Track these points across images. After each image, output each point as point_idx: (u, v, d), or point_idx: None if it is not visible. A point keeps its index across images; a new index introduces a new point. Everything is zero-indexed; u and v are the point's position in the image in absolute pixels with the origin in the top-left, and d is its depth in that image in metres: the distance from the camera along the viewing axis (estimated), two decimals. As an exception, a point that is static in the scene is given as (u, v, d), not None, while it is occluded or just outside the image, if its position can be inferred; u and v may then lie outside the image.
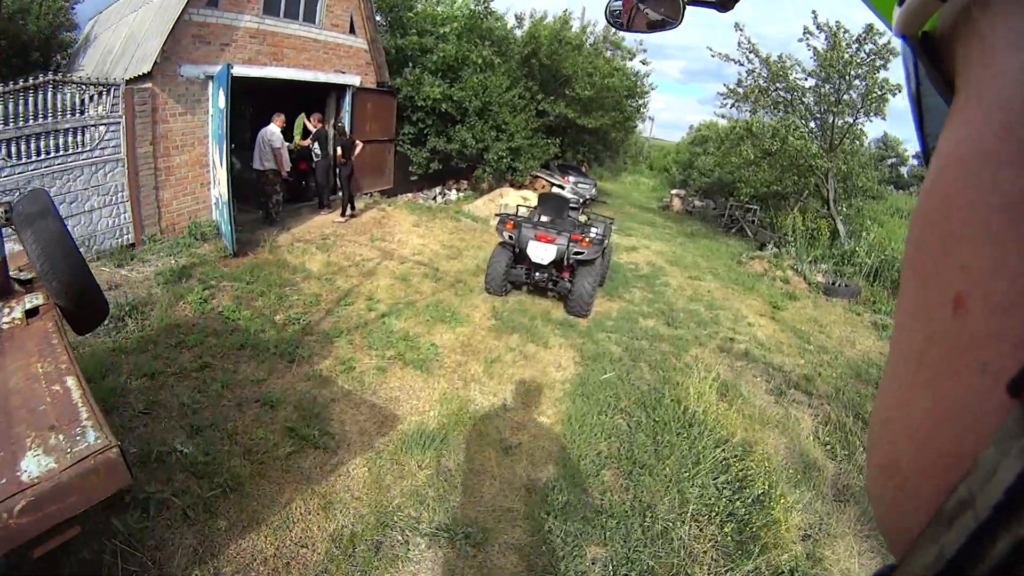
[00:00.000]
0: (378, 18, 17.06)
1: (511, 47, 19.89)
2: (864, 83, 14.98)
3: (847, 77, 15.03)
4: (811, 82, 16.10)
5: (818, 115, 16.58)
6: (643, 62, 22.35)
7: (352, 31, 14.50)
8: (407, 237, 12.48)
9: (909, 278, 0.30)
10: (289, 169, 11.69)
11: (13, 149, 7.89)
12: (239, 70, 11.01)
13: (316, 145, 13.18)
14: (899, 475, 0.28)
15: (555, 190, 19.65)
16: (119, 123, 9.28)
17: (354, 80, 14.67)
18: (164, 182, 10.10)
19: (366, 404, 5.77)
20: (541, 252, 8.85)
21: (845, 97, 15.48)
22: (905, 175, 39.66)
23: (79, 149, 8.73)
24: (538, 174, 20.36)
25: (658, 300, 10.96)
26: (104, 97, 9.16)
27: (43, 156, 8.23)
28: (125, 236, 9.48)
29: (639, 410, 6.42)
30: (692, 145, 33.74)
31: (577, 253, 8.70)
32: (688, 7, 0.97)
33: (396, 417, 5.61)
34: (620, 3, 1.13)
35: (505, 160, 18.06)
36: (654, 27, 1.06)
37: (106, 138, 9.11)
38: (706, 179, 26.76)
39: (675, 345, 8.64)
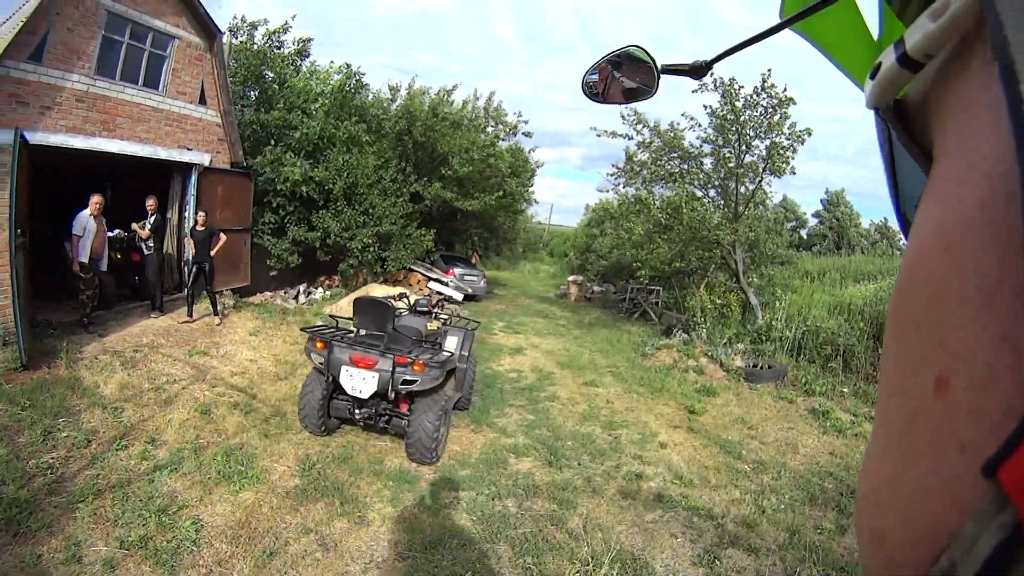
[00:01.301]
0: (253, 94, 15.84)
1: (384, 123, 18.26)
2: (765, 142, 13.64)
3: (745, 136, 13.67)
4: (708, 148, 14.79)
5: (717, 182, 15.20)
6: (526, 134, 20.86)
7: (203, 101, 12.61)
8: (236, 349, 10.20)
9: (891, 351, 0.30)
10: (85, 261, 9.48)
11: None
12: (60, 139, 9.81)
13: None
14: (887, 546, 0.29)
15: (432, 285, 17.55)
16: None
17: (202, 158, 12.60)
18: None
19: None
20: (357, 382, 6.36)
21: (747, 160, 14.12)
22: (805, 237, 39.54)
23: None
24: (413, 267, 18.30)
25: (540, 423, 8.53)
26: None
27: None
28: None
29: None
30: (588, 227, 32.52)
31: (407, 382, 6.24)
32: (663, 75, 0.93)
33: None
34: (596, 75, 1.06)
35: (372, 249, 15.97)
36: (631, 97, 1.01)
37: None
38: (604, 262, 25.23)
39: (557, 500, 6.13)
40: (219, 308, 11.40)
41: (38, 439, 6.25)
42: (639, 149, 15.52)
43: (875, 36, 0.55)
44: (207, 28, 12.36)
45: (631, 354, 13.60)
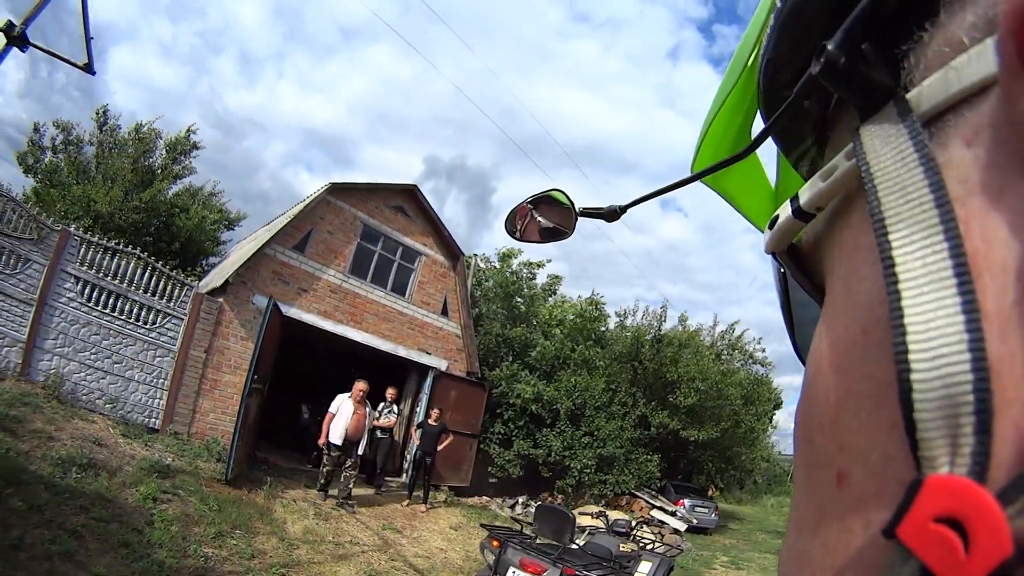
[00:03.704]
0: (503, 312, 17.40)
1: (616, 348, 18.81)
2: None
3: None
4: None
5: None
6: (763, 363, 20.10)
7: (444, 313, 14.22)
8: (430, 536, 10.33)
9: (800, 458, 0.35)
10: (334, 440, 9.75)
11: (87, 290, 9.26)
12: (311, 319, 11.53)
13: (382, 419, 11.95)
14: None
15: (655, 513, 16.52)
16: (182, 320, 10.13)
17: (439, 363, 13.97)
18: (207, 392, 10.28)
19: None
20: None
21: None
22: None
23: (139, 323, 9.79)
24: (637, 493, 17.56)
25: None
26: (177, 291, 10.19)
27: (107, 310, 9.46)
28: (154, 419, 9.82)
29: None
30: None
31: None
32: (580, 218, 0.97)
33: None
34: (516, 213, 1.05)
35: (590, 470, 15.74)
36: (547, 236, 1.02)
37: (166, 326, 10.04)
38: None
39: None
40: (429, 498, 11.72)
41: (209, 535, 6.91)
42: None
43: (772, 184, 0.65)
44: (451, 250, 14.44)
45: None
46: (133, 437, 8.78)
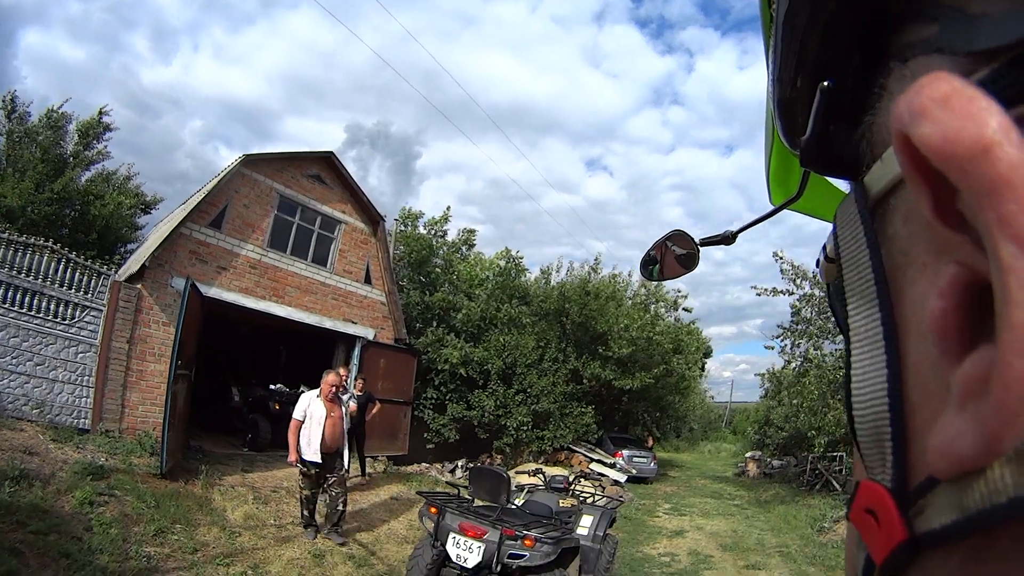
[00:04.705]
0: (421, 277, 17.21)
1: (543, 304, 18.91)
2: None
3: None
4: None
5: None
6: (686, 309, 21.07)
7: (368, 280, 14.01)
8: (371, 508, 10.28)
9: None
10: (307, 457, 7.50)
11: (2, 291, 8.78)
12: (233, 297, 11.20)
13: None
14: None
15: (595, 466, 17.00)
16: (101, 311, 9.73)
17: (366, 332, 13.77)
18: (134, 384, 9.93)
19: None
20: (463, 550, 6.06)
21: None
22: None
23: (57, 319, 9.35)
24: (575, 448, 17.93)
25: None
26: (94, 282, 9.78)
27: (24, 309, 8.98)
28: (82, 419, 9.50)
29: None
30: (766, 398, 30.64)
31: (515, 556, 5.87)
32: (701, 248, 1.09)
33: None
34: (655, 252, 1.17)
35: (526, 427, 15.98)
36: (683, 265, 1.14)
37: (85, 320, 9.63)
38: (783, 433, 23.09)
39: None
40: (367, 470, 11.63)
41: (149, 533, 6.74)
42: (803, 305, 14.78)
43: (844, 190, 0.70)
44: (371, 215, 14.16)
45: (807, 530, 12.28)
46: (64, 441, 8.51)
